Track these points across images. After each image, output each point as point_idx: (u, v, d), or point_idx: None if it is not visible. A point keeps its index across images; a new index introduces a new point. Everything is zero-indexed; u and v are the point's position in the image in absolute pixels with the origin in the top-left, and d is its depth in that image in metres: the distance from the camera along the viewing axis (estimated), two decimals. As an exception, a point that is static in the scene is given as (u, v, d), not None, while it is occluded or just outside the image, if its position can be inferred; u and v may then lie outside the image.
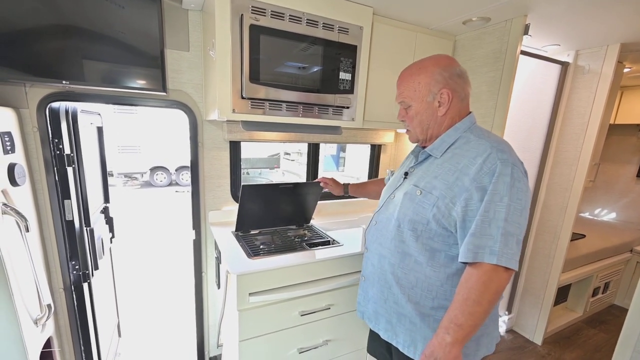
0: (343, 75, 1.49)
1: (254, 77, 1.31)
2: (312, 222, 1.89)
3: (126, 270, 3.58)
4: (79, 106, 1.52)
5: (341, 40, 1.46)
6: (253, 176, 9.80)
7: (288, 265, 1.34)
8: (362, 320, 1.19)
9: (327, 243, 1.59)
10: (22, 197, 1.24)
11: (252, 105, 1.35)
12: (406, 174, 1.05)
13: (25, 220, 1.12)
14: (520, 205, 0.81)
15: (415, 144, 1.09)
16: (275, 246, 1.52)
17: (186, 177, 9.26)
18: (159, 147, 9.04)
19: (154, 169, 9.18)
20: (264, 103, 1.37)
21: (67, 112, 1.46)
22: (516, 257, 0.81)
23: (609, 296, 2.94)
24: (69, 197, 1.45)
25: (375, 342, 1.20)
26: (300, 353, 1.44)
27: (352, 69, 1.51)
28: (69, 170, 1.45)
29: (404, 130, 1.94)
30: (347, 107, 1.56)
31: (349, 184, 1.65)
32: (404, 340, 1.01)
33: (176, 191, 8.79)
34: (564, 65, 2.13)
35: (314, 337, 1.47)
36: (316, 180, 1.66)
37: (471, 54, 1.78)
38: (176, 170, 9.43)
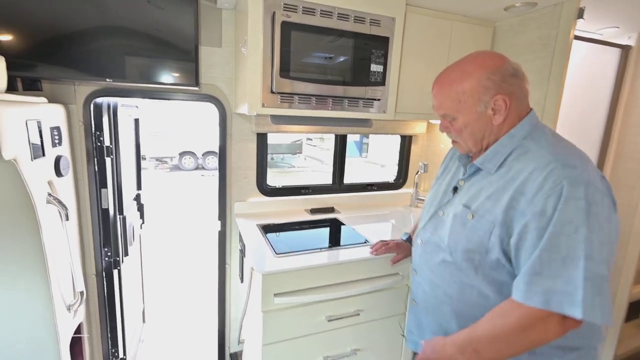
0: (374, 67, 1.44)
1: (284, 72, 1.31)
2: (339, 215, 1.86)
3: (153, 256, 3.67)
4: (119, 101, 1.59)
5: (373, 32, 1.42)
6: (276, 161, 9.94)
7: (316, 265, 1.28)
8: (411, 349, 1.03)
9: (358, 242, 1.49)
10: (65, 186, 1.32)
11: (281, 99, 1.35)
12: (455, 188, 0.90)
13: (66, 209, 1.18)
14: (605, 237, 0.63)
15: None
16: (303, 243, 1.48)
17: (212, 161, 9.52)
18: (187, 132, 9.37)
19: (183, 154, 9.56)
20: (293, 97, 1.36)
21: (108, 106, 1.54)
22: (610, 308, 0.62)
23: None
24: (106, 186, 1.53)
25: None
26: None
27: (384, 61, 1.46)
28: (108, 160, 1.53)
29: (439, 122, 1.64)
30: (378, 100, 1.51)
31: (409, 235, 1.33)
32: None
33: (202, 175, 9.12)
34: (625, 49, 1.90)
35: (341, 345, 1.38)
36: (374, 251, 1.35)
37: (513, 41, 1.65)
38: (202, 155, 9.75)
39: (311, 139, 10.72)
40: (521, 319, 0.67)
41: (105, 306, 1.62)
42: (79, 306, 1.27)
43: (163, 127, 9.07)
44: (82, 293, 1.28)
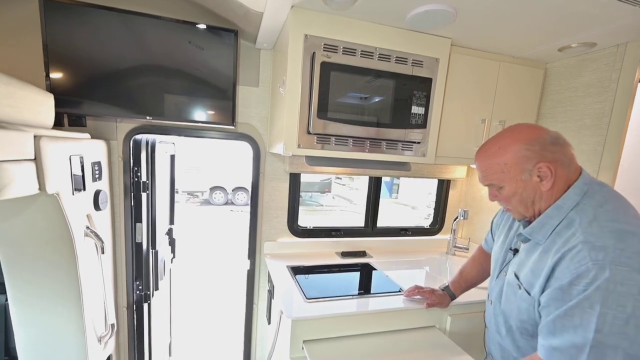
0: (415, 109, 1.41)
1: (322, 113, 1.30)
2: (371, 260, 1.80)
3: (181, 290, 3.72)
4: (157, 138, 1.65)
5: (415, 73, 1.39)
6: (304, 199, 9.94)
7: (348, 313, 1.24)
8: None
9: (392, 290, 1.43)
10: (102, 220, 1.34)
11: (317, 140, 1.34)
12: (517, 250, 0.90)
13: (102, 242, 1.20)
14: (624, 313, 0.64)
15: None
16: (334, 288, 1.43)
17: (241, 197, 9.71)
18: (218, 168, 9.73)
19: (213, 189, 9.85)
20: (329, 138, 1.35)
21: (147, 143, 1.59)
22: None
23: None
24: (141, 221, 1.54)
25: None
26: None
27: (426, 103, 1.42)
28: (144, 195, 1.55)
29: None
30: (418, 142, 1.46)
31: (448, 285, 1.30)
32: None
33: (231, 210, 9.25)
34: None
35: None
36: (407, 292, 1.34)
37: (568, 84, 1.57)
38: (232, 191, 9.99)
39: (340, 178, 10.77)
40: None
41: (134, 338, 1.61)
42: (109, 338, 1.29)
43: (196, 162, 9.50)
44: (113, 325, 1.31)
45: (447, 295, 1.27)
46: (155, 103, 1.41)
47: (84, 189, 1.16)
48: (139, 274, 1.58)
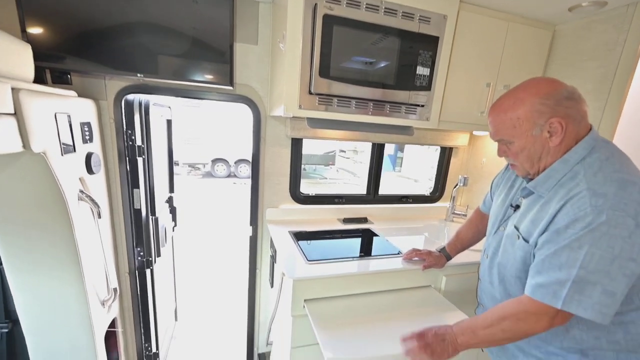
0: (420, 70, 1.35)
1: (324, 72, 1.23)
2: (372, 226, 1.81)
3: (186, 259, 3.78)
4: (151, 99, 1.57)
5: (421, 30, 1.32)
6: (308, 172, 9.92)
7: (347, 273, 1.26)
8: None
9: (391, 253, 1.46)
10: (97, 185, 1.29)
11: (319, 101, 1.29)
12: (518, 206, 0.93)
13: (98, 207, 1.16)
14: (611, 254, 0.68)
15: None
16: (335, 252, 1.45)
17: (244, 169, 9.67)
18: (220, 139, 9.58)
19: (215, 161, 9.75)
20: (332, 99, 1.29)
21: (140, 104, 1.51)
22: (598, 306, 0.70)
23: None
24: (138, 187, 1.50)
25: None
26: None
27: (432, 63, 1.36)
28: (139, 160, 1.50)
29: (484, 133, 1.79)
30: (422, 106, 1.42)
31: (444, 247, 1.35)
32: None
33: (234, 183, 9.23)
34: None
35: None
36: (409, 259, 1.36)
37: (575, 47, 1.53)
38: (235, 163, 9.90)
39: (344, 151, 10.72)
40: (519, 307, 0.78)
41: (138, 303, 1.62)
42: (112, 302, 1.30)
43: (196, 133, 9.36)
44: (115, 289, 1.31)
45: (443, 257, 1.33)
46: (147, 59, 1.32)
47: (74, 151, 1.11)
48: (139, 241, 1.56)
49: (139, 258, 1.57)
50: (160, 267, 1.86)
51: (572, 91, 0.79)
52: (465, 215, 1.97)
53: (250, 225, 1.77)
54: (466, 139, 2.03)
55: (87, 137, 1.20)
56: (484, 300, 1.07)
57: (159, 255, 1.72)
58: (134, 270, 1.56)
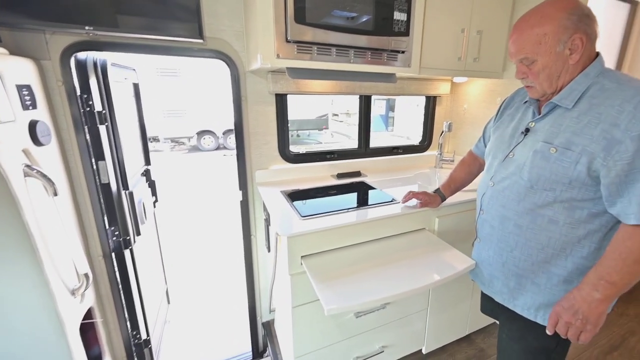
0: (398, 15, 1.35)
1: (300, 18, 1.18)
2: (366, 179, 1.83)
3: (175, 236, 3.65)
4: (108, 58, 1.36)
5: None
6: (302, 138, 9.75)
7: (343, 224, 1.25)
8: (472, 279, 1.19)
9: (384, 201, 1.48)
10: (49, 158, 1.12)
11: (298, 49, 1.23)
12: (527, 130, 0.95)
13: (53, 183, 1.00)
14: None
15: (530, 97, 0.97)
16: (330, 206, 1.42)
17: (234, 140, 9.38)
18: (205, 110, 9.14)
19: (201, 133, 9.36)
20: (311, 47, 1.25)
21: (95, 64, 1.30)
22: None
23: None
24: (103, 158, 1.33)
25: (489, 303, 1.16)
26: (357, 318, 1.38)
27: (408, 8, 1.36)
28: (102, 129, 1.32)
29: (464, 79, 1.99)
30: (402, 52, 1.43)
31: (438, 188, 1.40)
32: (523, 303, 0.99)
33: (224, 155, 8.95)
34: (633, 4, 2.01)
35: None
36: (407, 202, 1.40)
37: None
38: (223, 134, 9.54)
39: (337, 115, 10.57)
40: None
41: (118, 288, 1.49)
42: (85, 290, 1.16)
43: (177, 105, 8.90)
44: (86, 275, 1.17)
45: (437, 196, 1.38)
46: (97, 9, 1.12)
47: (13, 119, 0.93)
48: (112, 219, 1.42)
49: (114, 238, 1.43)
50: (143, 247, 1.74)
51: (590, 9, 0.82)
52: (453, 161, 2.06)
53: (240, 189, 1.68)
54: (448, 87, 2.12)
55: (28, 103, 1.02)
56: (483, 232, 1.09)
57: (138, 233, 1.58)
58: (109, 253, 1.42)
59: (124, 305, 1.52)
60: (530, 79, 0.89)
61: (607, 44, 1.93)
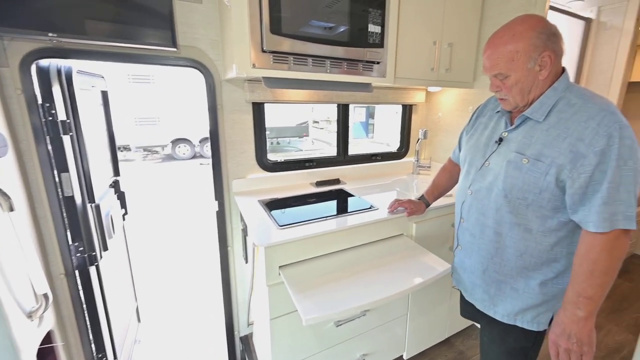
0: (372, 28, 1.39)
1: (275, 28, 1.19)
2: (345, 186, 1.84)
3: (147, 250, 3.48)
4: (74, 66, 1.29)
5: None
6: (282, 145, 9.67)
7: (322, 232, 1.24)
8: (455, 286, 1.21)
9: (363, 208, 1.49)
10: (5, 171, 1.05)
11: (274, 59, 1.23)
12: (500, 139, 0.99)
13: (9, 197, 0.93)
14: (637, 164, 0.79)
15: (501, 109, 1.03)
16: (308, 214, 1.41)
17: (210, 149, 9.17)
18: (180, 118, 8.89)
19: (176, 141, 9.09)
20: (287, 57, 1.25)
21: (59, 72, 1.24)
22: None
23: (631, 246, 3.06)
24: (67, 170, 1.26)
25: (470, 307, 1.17)
26: (337, 327, 1.37)
27: (382, 21, 1.41)
28: (66, 139, 1.25)
29: (437, 89, 2.03)
30: (378, 63, 1.47)
31: (423, 195, 1.43)
32: (503, 310, 1.02)
33: (200, 164, 8.70)
34: (587, 21, 2.16)
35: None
36: (393, 210, 1.42)
37: (501, 9, 1.72)
38: (200, 142, 9.29)
39: (318, 122, 10.60)
40: (604, 245, 0.80)
41: (82, 309, 1.39)
42: (43, 311, 1.07)
43: (150, 112, 8.60)
44: (45, 296, 1.08)
45: (422, 203, 1.42)
46: (61, 14, 1.07)
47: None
48: (76, 234, 1.34)
49: (78, 254, 1.35)
50: (110, 263, 1.65)
51: (556, 28, 0.88)
52: (430, 167, 2.16)
53: (216, 200, 1.64)
54: (423, 96, 2.19)
55: (-19, 112, 0.95)
56: (463, 240, 1.12)
57: (105, 248, 1.50)
58: (72, 270, 1.33)
59: (89, 326, 1.42)
60: (504, 92, 0.94)
61: (566, 58, 2.07)
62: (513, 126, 0.97)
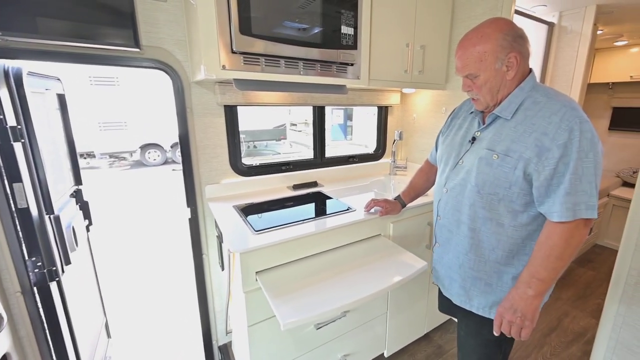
0: (345, 30, 1.38)
1: (245, 29, 1.15)
2: (322, 189, 1.83)
3: (117, 263, 3.30)
4: (24, 67, 1.20)
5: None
6: (260, 149, 9.50)
7: (299, 236, 1.23)
8: (435, 282, 1.24)
9: (340, 210, 1.48)
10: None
11: (245, 61, 1.20)
12: (474, 138, 1.03)
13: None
14: (600, 159, 0.84)
15: (473, 109, 1.07)
16: (285, 218, 1.38)
17: (181, 154, 8.86)
18: (150, 122, 8.51)
19: (145, 147, 8.69)
20: (259, 59, 1.22)
21: (6, 74, 1.14)
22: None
23: (593, 237, 3.25)
24: (20, 180, 1.16)
25: (447, 302, 1.21)
26: (317, 329, 1.35)
27: (354, 23, 1.40)
28: (17, 146, 1.15)
29: (411, 91, 2.11)
30: (352, 64, 1.46)
31: (399, 195, 1.46)
32: (478, 304, 1.06)
33: (173, 169, 8.38)
34: (550, 25, 2.26)
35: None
36: (369, 210, 1.45)
37: (469, 13, 1.77)
38: (172, 147, 8.94)
39: (295, 124, 10.51)
40: (563, 233, 0.85)
41: (43, 328, 1.29)
42: None
43: (116, 116, 8.17)
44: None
45: (398, 203, 1.45)
46: (7, 11, 0.99)
47: None
48: (33, 248, 1.23)
49: (37, 270, 1.24)
50: (74, 277, 1.54)
51: (522, 31, 0.92)
52: (406, 168, 2.22)
53: (188, 207, 1.58)
54: (398, 97, 2.20)
55: None
56: (442, 237, 1.14)
57: (67, 262, 1.39)
58: (29, 287, 1.22)
59: (51, 346, 1.32)
60: (475, 91, 0.98)
61: (532, 60, 2.24)
62: (484, 125, 1.01)
